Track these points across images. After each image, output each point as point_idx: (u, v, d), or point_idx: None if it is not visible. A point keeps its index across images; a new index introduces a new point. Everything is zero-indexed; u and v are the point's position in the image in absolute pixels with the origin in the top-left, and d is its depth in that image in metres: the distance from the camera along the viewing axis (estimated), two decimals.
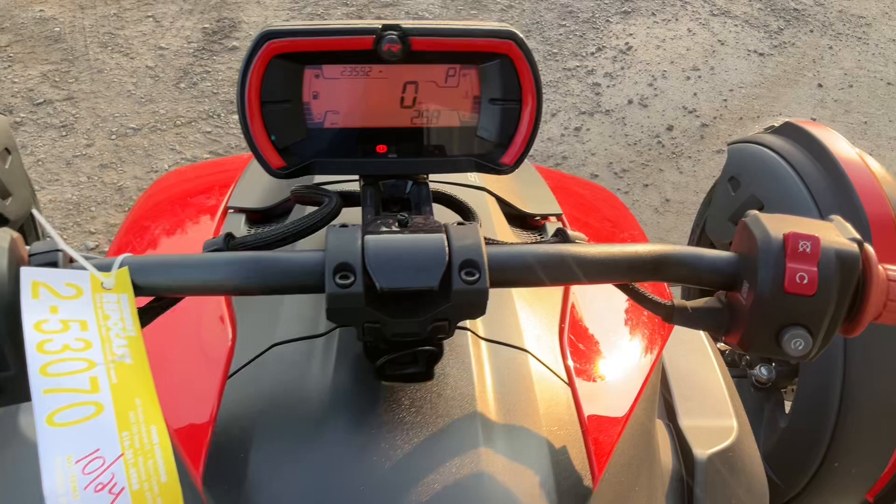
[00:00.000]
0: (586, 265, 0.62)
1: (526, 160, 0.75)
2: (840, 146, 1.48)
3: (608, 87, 3.45)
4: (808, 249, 0.61)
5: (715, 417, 1.03)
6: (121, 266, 0.61)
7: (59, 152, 2.87)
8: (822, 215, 1.50)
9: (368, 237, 0.59)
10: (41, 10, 3.62)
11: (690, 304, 0.68)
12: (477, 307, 0.59)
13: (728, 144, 1.77)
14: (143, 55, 3.40)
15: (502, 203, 0.97)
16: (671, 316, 0.67)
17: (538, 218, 0.99)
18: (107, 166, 2.83)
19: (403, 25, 0.68)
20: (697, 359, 1.12)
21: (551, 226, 0.98)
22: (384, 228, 0.61)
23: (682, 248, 0.66)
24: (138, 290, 0.60)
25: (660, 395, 1.04)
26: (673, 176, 3.03)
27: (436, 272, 0.57)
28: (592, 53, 3.65)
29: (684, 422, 1.01)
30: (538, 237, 0.97)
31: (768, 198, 1.55)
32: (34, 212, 1.17)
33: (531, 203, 1.00)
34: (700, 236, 1.98)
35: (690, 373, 1.15)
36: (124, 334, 0.58)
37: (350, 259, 0.57)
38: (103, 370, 0.55)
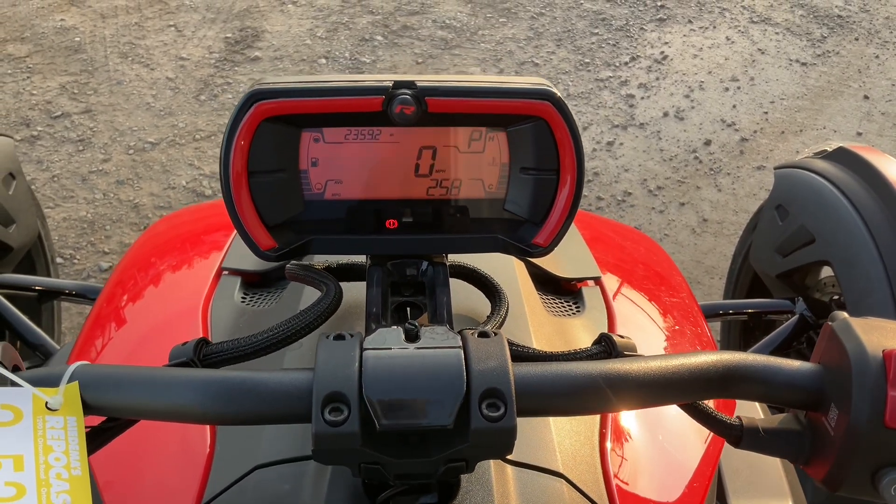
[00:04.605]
0: (639, 387, 0.50)
1: None
2: None
3: (642, 98, 3.31)
4: None
5: (769, 498, 0.94)
6: (70, 380, 0.50)
7: (75, 168, 2.80)
8: (881, 253, 1.40)
9: (368, 355, 0.48)
10: (62, 20, 3.56)
11: (763, 423, 0.56)
12: (501, 448, 0.47)
13: (775, 169, 1.69)
14: (163, 66, 3.32)
15: (531, 265, 0.86)
16: (740, 440, 0.55)
17: (573, 282, 0.87)
18: (123, 183, 2.75)
19: (418, 83, 0.56)
20: None
21: (588, 291, 0.86)
22: (388, 343, 0.49)
23: (753, 357, 0.54)
24: (88, 410, 0.50)
25: None
26: (711, 194, 2.88)
27: (450, 406, 0.46)
28: (626, 63, 3.51)
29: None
30: (573, 306, 0.85)
31: (819, 230, 1.46)
32: None
33: (565, 264, 0.89)
34: (742, 264, 1.91)
35: None
36: (67, 474, 0.48)
37: (344, 387, 0.46)
38: None
